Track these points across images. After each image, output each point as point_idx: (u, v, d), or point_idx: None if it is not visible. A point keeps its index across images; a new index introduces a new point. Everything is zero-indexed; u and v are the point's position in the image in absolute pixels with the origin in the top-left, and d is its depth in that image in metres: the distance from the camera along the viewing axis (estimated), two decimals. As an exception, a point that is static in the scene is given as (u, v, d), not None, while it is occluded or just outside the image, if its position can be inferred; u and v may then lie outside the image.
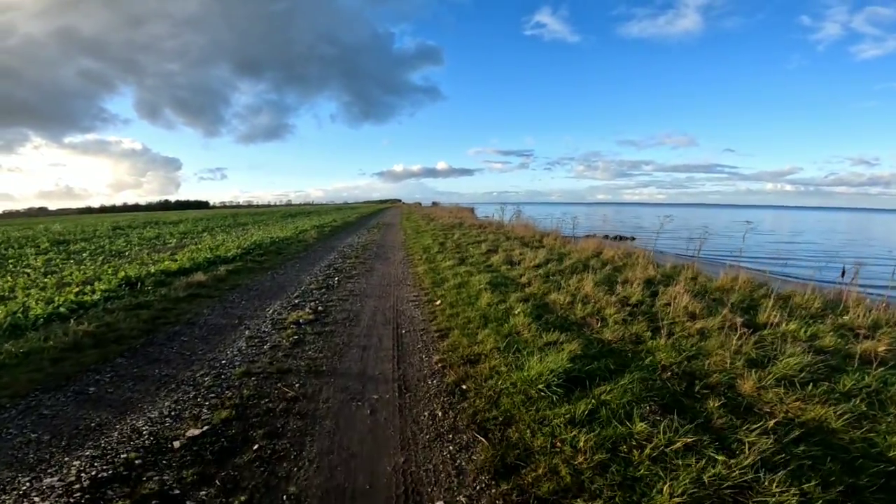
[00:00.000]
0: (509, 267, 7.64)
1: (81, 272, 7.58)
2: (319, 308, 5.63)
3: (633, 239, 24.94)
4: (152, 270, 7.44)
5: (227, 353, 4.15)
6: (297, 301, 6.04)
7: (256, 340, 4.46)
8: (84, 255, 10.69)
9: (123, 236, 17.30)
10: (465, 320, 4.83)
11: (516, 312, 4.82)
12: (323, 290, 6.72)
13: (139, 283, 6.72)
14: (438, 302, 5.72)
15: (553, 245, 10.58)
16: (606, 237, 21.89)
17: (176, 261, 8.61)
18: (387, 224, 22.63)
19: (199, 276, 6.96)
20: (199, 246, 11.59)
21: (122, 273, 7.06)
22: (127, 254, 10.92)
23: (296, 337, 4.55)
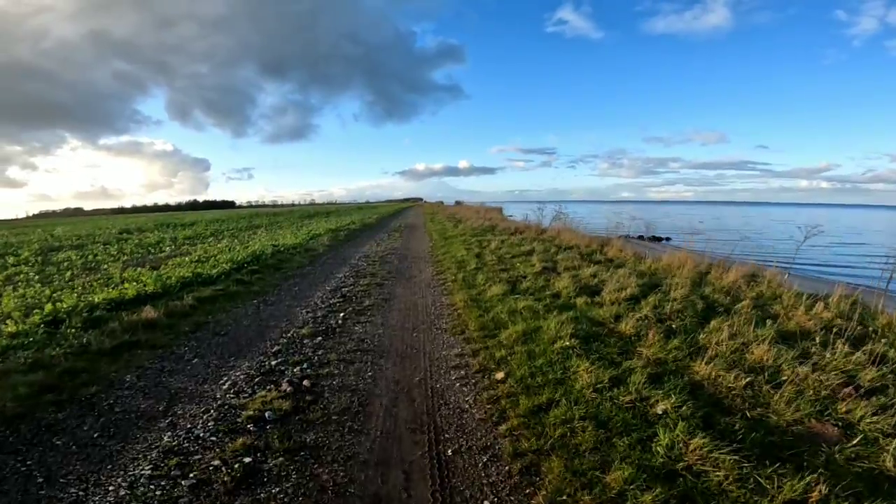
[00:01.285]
0: (588, 300, 5.26)
1: (15, 301, 5.70)
2: (305, 382, 3.45)
3: (669, 239, 21.93)
4: (96, 300, 5.47)
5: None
6: (274, 363, 3.88)
7: (159, 477, 2.30)
8: (58, 269, 8.96)
9: (123, 241, 15.82)
10: (565, 432, 2.54)
11: (665, 417, 2.51)
12: (319, 337, 4.55)
13: (67, 321, 4.75)
14: (500, 375, 3.43)
15: (626, 259, 8.11)
16: (641, 238, 19.04)
17: (143, 283, 6.67)
18: (409, 227, 20.50)
19: (149, 313, 4.92)
20: (189, 258, 9.70)
21: (51, 307, 5.10)
22: (105, 267, 9.15)
23: (246, 463, 2.38)
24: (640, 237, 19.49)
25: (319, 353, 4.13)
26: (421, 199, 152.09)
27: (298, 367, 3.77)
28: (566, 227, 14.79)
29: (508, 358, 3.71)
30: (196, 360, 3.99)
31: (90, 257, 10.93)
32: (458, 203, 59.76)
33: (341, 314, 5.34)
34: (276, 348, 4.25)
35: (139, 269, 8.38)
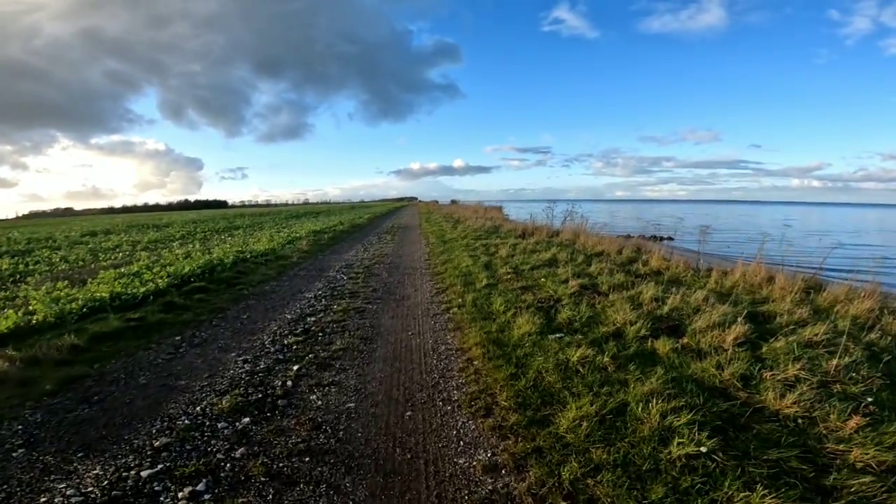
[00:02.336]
0: (672, 343, 3.44)
1: None
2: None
3: (671, 238, 20.26)
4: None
5: None
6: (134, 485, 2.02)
7: None
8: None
9: (78, 246, 13.84)
10: None
11: None
12: (246, 418, 2.71)
13: None
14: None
15: (679, 272, 6.34)
16: (642, 237, 17.34)
17: (39, 307, 4.79)
18: (403, 227, 18.62)
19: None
20: (127, 268, 7.78)
21: None
22: (30, 279, 7.24)
23: None
24: (641, 236, 17.84)
25: (236, 456, 2.29)
26: (416, 199, 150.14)
27: (175, 518, 1.92)
28: (580, 229, 13.04)
29: (593, 488, 1.89)
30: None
31: (21, 266, 8.99)
32: (453, 202, 57.93)
33: (295, 367, 3.48)
34: (156, 443, 2.40)
35: (59, 282, 6.47)
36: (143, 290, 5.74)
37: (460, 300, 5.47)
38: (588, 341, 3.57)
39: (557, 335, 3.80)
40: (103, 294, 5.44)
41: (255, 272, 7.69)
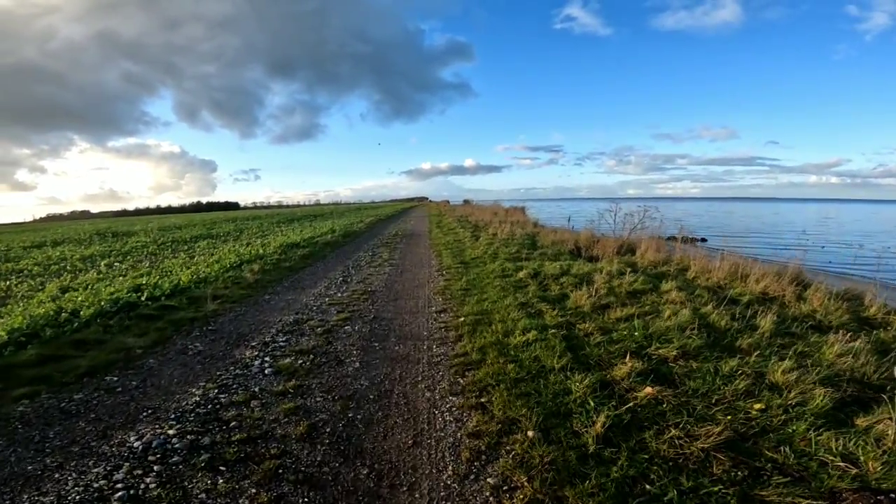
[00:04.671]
0: None
1: None
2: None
3: (705, 240, 16.15)
4: None
5: None
6: None
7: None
8: None
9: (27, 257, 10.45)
10: None
11: None
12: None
13: None
14: None
15: None
16: (673, 238, 13.06)
17: None
18: (407, 236, 14.76)
19: None
20: None
21: None
22: None
23: None
24: (672, 237, 13.69)
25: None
26: (426, 199, 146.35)
27: None
28: (654, 239, 9.04)
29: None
30: None
31: None
32: (466, 202, 53.74)
33: None
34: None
35: None
36: None
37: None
38: None
39: None
40: None
41: (64, 361, 3.91)
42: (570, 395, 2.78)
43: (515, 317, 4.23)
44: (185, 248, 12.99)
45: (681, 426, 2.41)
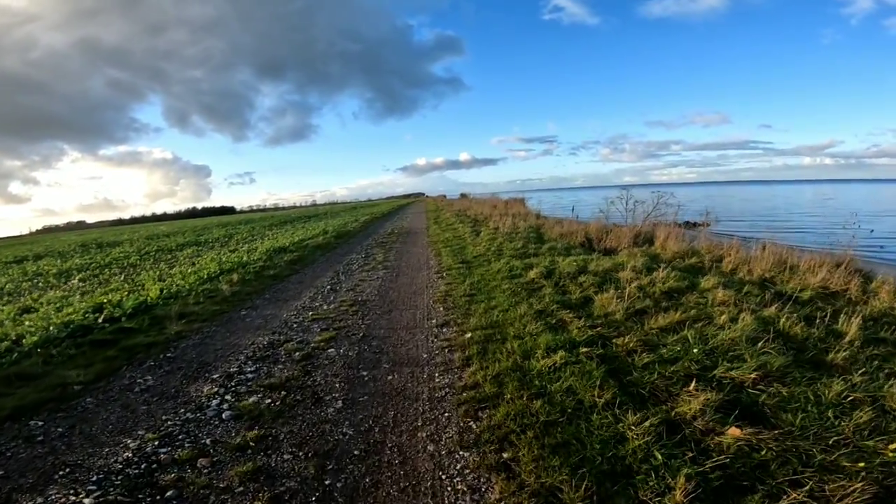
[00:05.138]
0: None
1: None
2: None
3: (708, 225, 15.45)
4: None
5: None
6: None
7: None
8: None
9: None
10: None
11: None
12: None
13: None
14: None
15: None
16: (675, 224, 12.35)
17: None
18: (404, 234, 13.97)
19: None
20: None
21: None
22: None
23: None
24: (674, 223, 12.85)
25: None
26: (423, 194, 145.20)
27: None
28: (671, 226, 8.34)
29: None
30: None
31: None
32: (463, 196, 52.86)
33: None
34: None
35: None
36: None
37: None
38: None
39: None
40: None
41: None
42: (625, 445, 2.04)
43: (534, 330, 3.47)
44: (168, 257, 12.19)
45: (800, 485, 1.66)
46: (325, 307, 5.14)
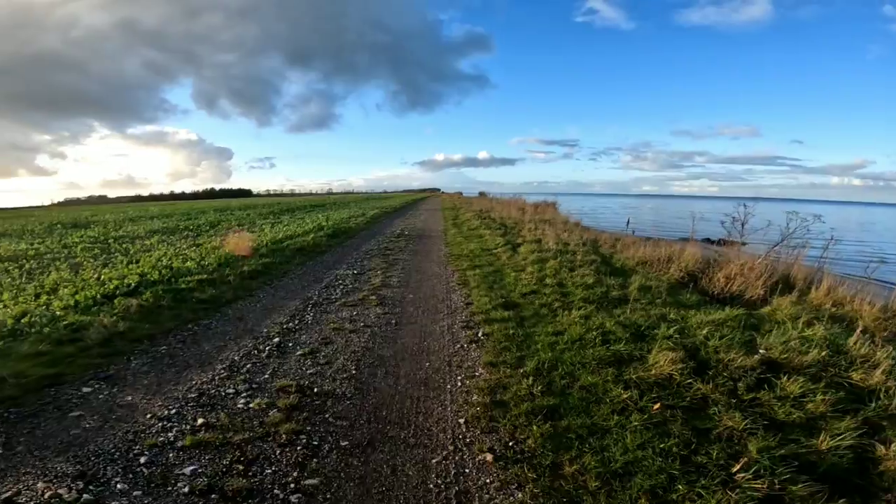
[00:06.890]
0: None
1: None
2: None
3: (745, 244, 12.42)
4: None
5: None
6: None
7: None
8: None
9: None
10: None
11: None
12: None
13: None
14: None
15: None
16: (709, 241, 9.41)
17: None
18: (416, 238, 11.23)
19: None
20: None
21: None
22: None
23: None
24: (707, 240, 10.06)
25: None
26: (438, 190, 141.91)
27: None
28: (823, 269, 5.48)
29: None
30: None
31: None
32: (482, 195, 49.68)
33: None
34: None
35: None
36: None
37: None
38: None
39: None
40: None
41: None
42: None
43: None
44: (126, 246, 9.71)
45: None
46: (258, 401, 2.43)
